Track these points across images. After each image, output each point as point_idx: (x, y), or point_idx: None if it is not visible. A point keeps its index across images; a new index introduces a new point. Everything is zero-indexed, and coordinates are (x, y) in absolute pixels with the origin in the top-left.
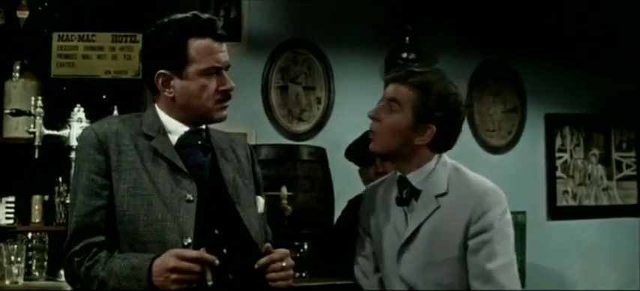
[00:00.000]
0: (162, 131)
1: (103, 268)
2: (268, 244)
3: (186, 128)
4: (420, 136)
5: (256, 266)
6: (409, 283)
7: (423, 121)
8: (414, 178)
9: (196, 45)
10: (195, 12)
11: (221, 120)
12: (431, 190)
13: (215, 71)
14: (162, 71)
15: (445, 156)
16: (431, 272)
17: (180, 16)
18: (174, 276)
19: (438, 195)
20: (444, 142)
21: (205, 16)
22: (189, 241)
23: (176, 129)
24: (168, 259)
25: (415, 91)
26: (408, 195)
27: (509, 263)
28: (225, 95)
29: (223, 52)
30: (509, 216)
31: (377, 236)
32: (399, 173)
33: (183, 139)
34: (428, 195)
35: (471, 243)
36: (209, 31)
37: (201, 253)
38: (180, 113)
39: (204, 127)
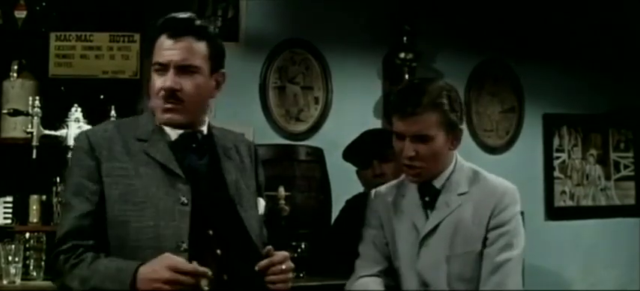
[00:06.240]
0: (158, 134)
1: (88, 268)
2: (270, 247)
3: (180, 131)
4: (452, 143)
5: (256, 268)
6: (427, 278)
7: (453, 129)
8: (437, 181)
9: (157, 41)
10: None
11: (166, 123)
12: (453, 190)
13: (160, 68)
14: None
15: (460, 158)
16: (452, 265)
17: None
18: (167, 287)
19: (460, 193)
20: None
21: (180, 15)
22: (185, 246)
23: (170, 131)
24: (161, 270)
25: (438, 112)
26: (432, 197)
27: (519, 257)
28: (165, 95)
29: (173, 50)
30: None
31: (391, 237)
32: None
33: (177, 141)
34: (450, 194)
35: (490, 235)
36: (166, 27)
37: (195, 266)
38: None
39: (203, 128)
